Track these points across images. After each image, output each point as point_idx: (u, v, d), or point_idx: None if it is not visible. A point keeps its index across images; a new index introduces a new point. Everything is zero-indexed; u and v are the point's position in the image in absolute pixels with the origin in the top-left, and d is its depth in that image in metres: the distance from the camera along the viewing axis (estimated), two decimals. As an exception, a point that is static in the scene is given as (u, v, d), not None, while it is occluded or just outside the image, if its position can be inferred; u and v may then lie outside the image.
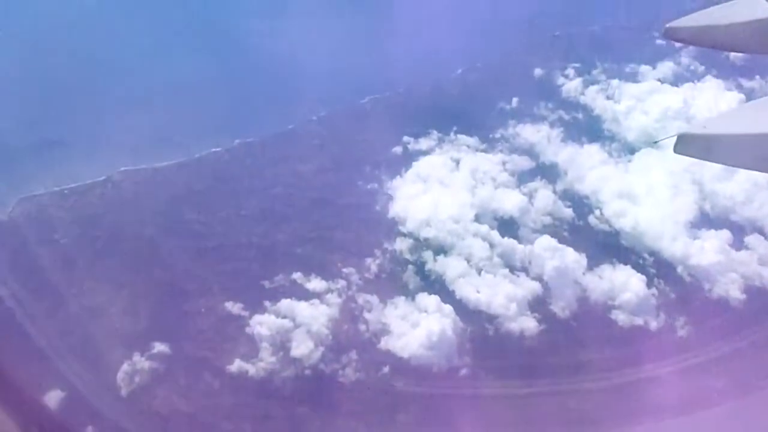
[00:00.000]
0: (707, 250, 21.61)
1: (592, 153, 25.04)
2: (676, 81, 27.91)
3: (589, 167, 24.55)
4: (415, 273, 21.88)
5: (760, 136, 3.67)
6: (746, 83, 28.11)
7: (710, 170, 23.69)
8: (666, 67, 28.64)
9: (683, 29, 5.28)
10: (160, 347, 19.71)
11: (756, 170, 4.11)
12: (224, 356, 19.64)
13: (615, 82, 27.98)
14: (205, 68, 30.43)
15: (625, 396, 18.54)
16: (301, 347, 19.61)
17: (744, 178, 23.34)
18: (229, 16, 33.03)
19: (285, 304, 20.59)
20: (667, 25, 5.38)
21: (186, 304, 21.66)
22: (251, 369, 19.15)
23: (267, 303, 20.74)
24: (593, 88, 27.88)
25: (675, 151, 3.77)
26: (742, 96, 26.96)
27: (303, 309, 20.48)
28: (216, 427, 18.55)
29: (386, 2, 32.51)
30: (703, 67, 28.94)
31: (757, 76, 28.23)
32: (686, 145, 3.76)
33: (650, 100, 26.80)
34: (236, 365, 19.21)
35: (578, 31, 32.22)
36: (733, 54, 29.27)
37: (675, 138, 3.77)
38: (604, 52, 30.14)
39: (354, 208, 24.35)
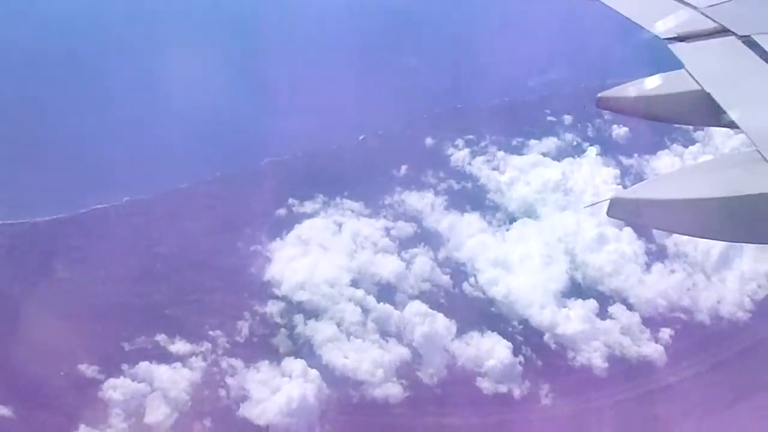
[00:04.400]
0: (573, 319, 22.10)
1: (472, 221, 25.57)
2: (558, 155, 29.04)
3: (468, 235, 25.01)
4: (286, 337, 21.57)
5: (684, 202, 3.90)
6: (625, 160, 29.43)
7: (582, 241, 24.52)
8: (550, 141, 29.83)
9: (614, 99, 5.52)
10: (2, 411, 18.62)
11: (680, 233, 4.31)
12: (72, 422, 18.67)
13: (501, 153, 28.95)
14: (101, 120, 30.08)
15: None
16: (155, 413, 18.86)
17: (613, 249, 24.24)
18: (129, 68, 32.90)
19: (143, 367, 19.87)
20: (600, 95, 5.61)
21: (42, 366, 20.66)
22: (97, 436, 18.26)
23: (125, 366, 19.98)
24: (480, 159, 28.73)
25: (608, 214, 3.88)
26: (617, 171, 28.23)
27: (162, 372, 19.80)
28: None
29: (299, 66, 33.15)
30: (587, 143, 30.26)
31: (635, 154, 29.64)
32: (618, 208, 3.91)
33: (532, 173, 27.76)
34: (81, 432, 18.29)
35: (478, 105, 33.33)
36: (615, 132, 30.93)
37: (607, 202, 3.91)
38: (495, 125, 31.21)
39: (232, 270, 24.02)
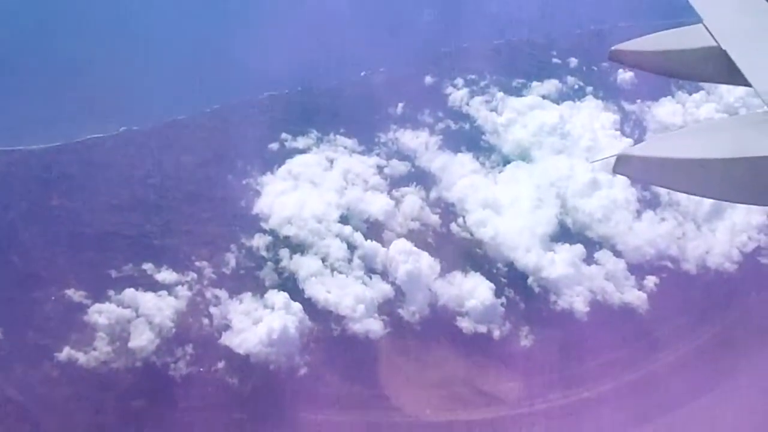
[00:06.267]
0: (558, 263, 22.10)
1: (464, 162, 25.36)
2: (558, 98, 28.51)
3: (460, 176, 24.85)
4: (271, 270, 21.80)
5: (695, 161, 3.81)
6: (627, 106, 28.86)
7: (574, 186, 24.30)
8: (551, 84, 29.24)
9: (628, 53, 5.36)
10: (-8, 332, 19.15)
11: (688, 193, 4.24)
12: (58, 344, 19.18)
13: (500, 94, 28.45)
14: (99, 51, 29.81)
15: (423, 389, 19.07)
16: (139, 339, 19.30)
17: (604, 195, 24.03)
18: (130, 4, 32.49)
19: (129, 293, 20.23)
20: (613, 48, 5.40)
21: (35, 290, 21.10)
22: (82, 358, 18.74)
23: (111, 292, 20.36)
24: (478, 99, 28.28)
25: (614, 170, 3.82)
26: (617, 117, 27.73)
27: (148, 300, 20.16)
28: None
29: (308, 4, 32.54)
30: (590, 87, 29.60)
31: (638, 100, 29.02)
32: (625, 165, 3.84)
33: (530, 115, 27.33)
34: (65, 353, 18.77)
35: (484, 44, 32.55)
36: (619, 77, 30.22)
37: (613, 158, 3.79)
38: (498, 65, 30.59)
39: (222, 203, 24.14)
